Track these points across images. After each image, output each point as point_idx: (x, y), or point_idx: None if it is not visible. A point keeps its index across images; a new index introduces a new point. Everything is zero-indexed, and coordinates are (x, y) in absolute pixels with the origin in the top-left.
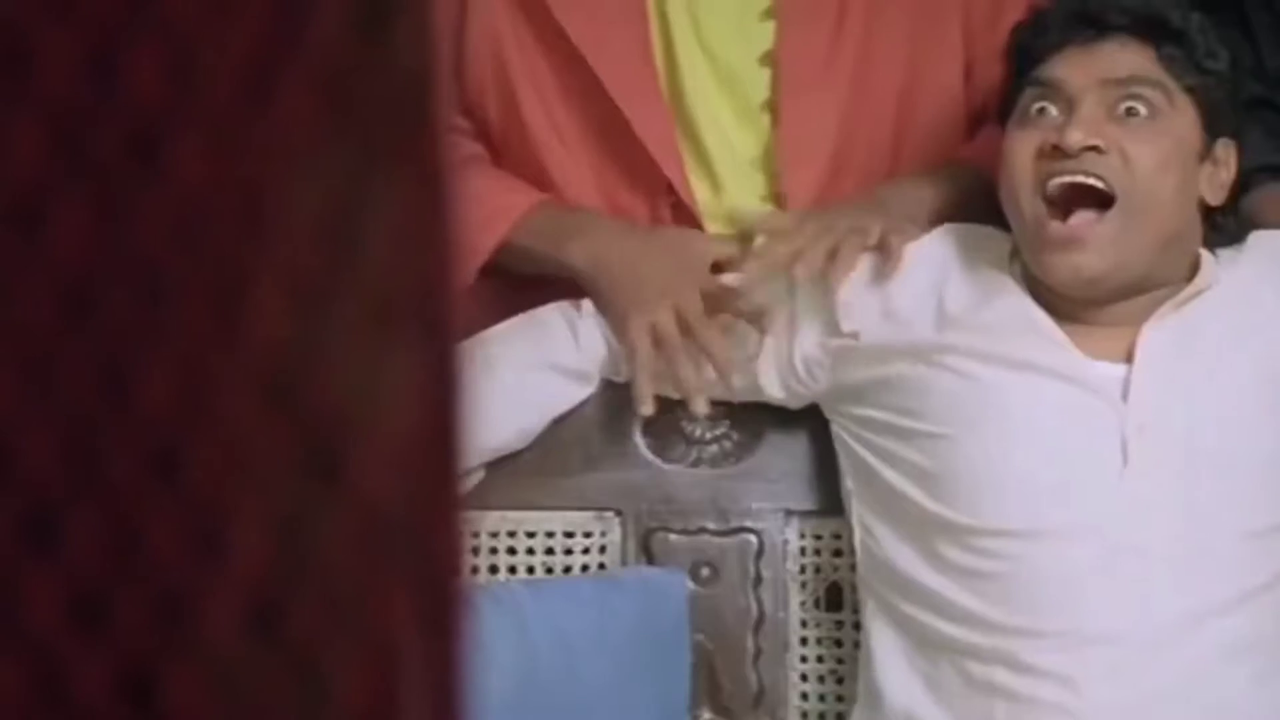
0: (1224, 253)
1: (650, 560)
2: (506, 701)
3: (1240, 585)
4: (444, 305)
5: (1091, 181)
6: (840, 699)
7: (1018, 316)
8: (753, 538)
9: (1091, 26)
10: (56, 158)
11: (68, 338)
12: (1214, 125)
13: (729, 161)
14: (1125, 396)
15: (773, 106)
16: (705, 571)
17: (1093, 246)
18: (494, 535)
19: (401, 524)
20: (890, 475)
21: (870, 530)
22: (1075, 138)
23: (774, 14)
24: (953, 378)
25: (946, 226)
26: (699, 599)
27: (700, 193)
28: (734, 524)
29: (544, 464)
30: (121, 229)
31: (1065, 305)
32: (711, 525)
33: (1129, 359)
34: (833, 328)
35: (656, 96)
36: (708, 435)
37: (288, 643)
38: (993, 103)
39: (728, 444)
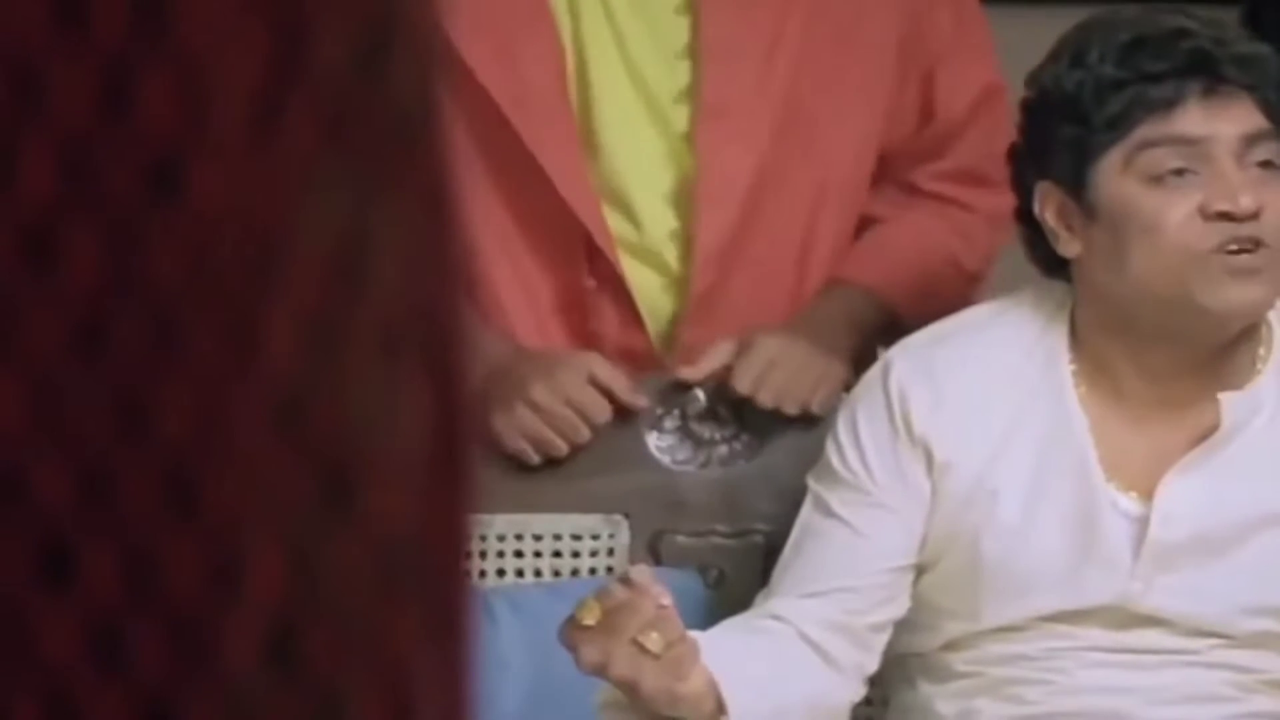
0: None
1: (659, 562)
2: (520, 703)
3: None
4: (451, 332)
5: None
6: None
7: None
8: (761, 539)
9: (1209, 77)
10: (68, 187)
11: (80, 369)
12: None
13: (647, 197)
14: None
15: (691, 142)
16: (714, 573)
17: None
18: (501, 539)
19: (413, 549)
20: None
21: None
22: (1247, 203)
23: (690, 52)
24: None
25: (998, 305)
26: (708, 600)
27: (615, 223)
28: (743, 526)
29: (553, 466)
30: (133, 260)
31: (1124, 397)
32: (720, 527)
33: (1151, 495)
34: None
35: (573, 142)
36: (717, 437)
37: (304, 671)
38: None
39: (737, 445)
